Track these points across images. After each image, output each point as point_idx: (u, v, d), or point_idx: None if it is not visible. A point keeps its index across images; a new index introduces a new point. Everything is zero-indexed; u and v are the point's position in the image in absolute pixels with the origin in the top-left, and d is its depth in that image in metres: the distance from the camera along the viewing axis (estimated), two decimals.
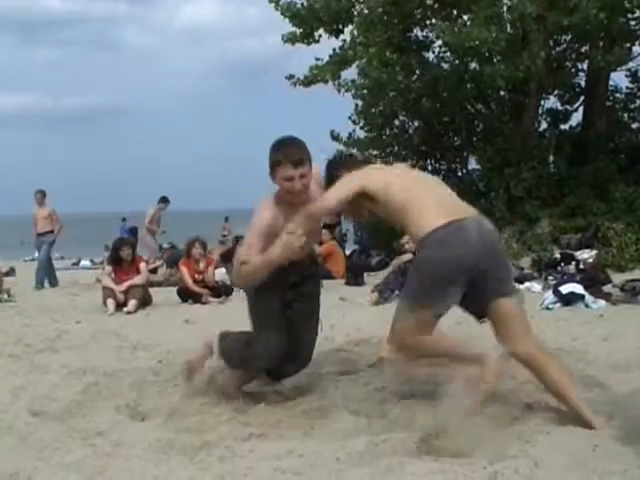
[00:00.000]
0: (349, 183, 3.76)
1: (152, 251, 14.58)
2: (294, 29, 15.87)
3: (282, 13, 15.64)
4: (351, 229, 16.18)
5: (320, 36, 15.94)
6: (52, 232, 13.17)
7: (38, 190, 13.28)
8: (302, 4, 15.63)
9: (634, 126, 16.26)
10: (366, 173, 3.88)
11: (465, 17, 14.01)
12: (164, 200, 14.72)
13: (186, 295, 9.73)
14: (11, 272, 14.29)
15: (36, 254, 14.59)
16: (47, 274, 12.93)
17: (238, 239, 12.01)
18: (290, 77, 15.98)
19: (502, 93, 15.94)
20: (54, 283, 12.92)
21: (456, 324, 5.14)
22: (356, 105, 16.36)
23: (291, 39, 15.96)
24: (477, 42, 12.58)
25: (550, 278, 9.94)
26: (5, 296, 10.59)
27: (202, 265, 9.88)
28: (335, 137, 16.99)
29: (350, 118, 16.70)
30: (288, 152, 3.80)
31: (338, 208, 3.97)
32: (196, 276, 9.82)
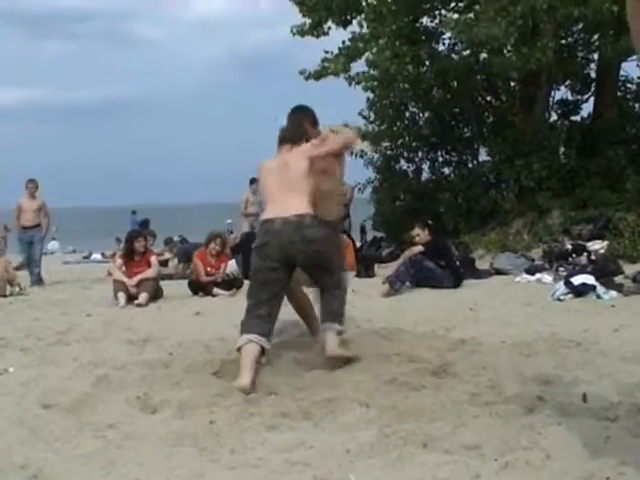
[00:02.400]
0: None
1: None
2: (303, 20, 15.80)
3: None
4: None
5: (329, 28, 15.87)
6: (40, 226, 12.36)
7: (30, 179, 12.25)
8: None
9: None
10: None
11: (474, 9, 13.90)
12: (253, 181, 13.62)
13: (197, 288, 9.76)
14: (21, 266, 14.27)
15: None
16: (31, 271, 12.28)
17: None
18: (302, 72, 15.88)
19: (512, 84, 15.86)
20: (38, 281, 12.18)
21: None
22: (367, 98, 16.33)
23: (300, 31, 15.86)
24: (485, 37, 12.46)
25: (561, 269, 9.90)
26: (17, 289, 10.65)
27: (215, 260, 9.91)
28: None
29: (360, 114, 16.69)
30: None
31: None
32: (208, 269, 9.84)
